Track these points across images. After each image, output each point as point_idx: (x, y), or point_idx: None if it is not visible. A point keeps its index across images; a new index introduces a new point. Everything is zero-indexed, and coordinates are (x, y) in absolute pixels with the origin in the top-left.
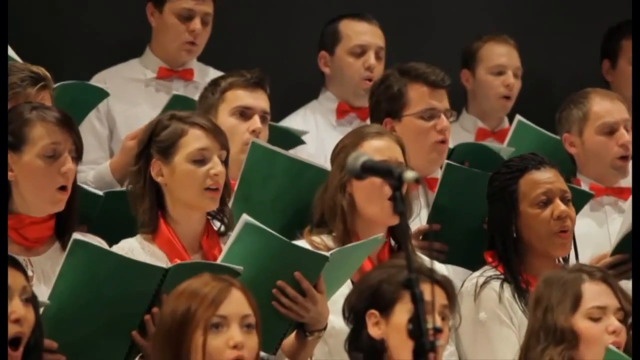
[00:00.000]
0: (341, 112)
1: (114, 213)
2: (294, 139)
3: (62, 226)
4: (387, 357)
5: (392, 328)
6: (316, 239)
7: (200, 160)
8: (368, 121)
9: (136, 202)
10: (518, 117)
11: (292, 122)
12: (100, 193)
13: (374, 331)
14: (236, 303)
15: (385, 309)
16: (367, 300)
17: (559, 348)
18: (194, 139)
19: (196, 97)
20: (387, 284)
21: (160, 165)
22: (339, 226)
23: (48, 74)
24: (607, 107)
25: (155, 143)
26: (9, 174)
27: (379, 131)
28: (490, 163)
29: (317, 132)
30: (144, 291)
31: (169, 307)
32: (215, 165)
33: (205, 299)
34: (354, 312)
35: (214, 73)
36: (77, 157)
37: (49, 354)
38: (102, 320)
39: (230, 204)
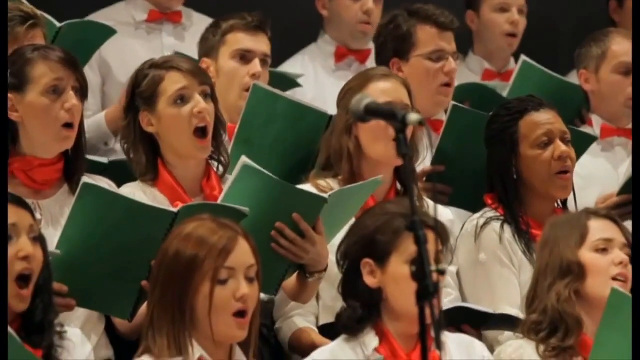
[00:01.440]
0: (340, 56)
1: (119, 181)
2: (289, 82)
3: (70, 168)
4: (384, 305)
5: (389, 278)
6: (322, 182)
7: (181, 101)
8: (368, 64)
9: (130, 155)
10: (523, 58)
11: (290, 68)
12: (105, 161)
13: (369, 280)
14: (243, 254)
15: (381, 259)
16: (362, 249)
17: (565, 281)
18: (172, 82)
19: (185, 40)
20: (381, 234)
21: (148, 115)
22: (345, 168)
23: (38, 13)
24: (626, 48)
25: (138, 95)
26: (15, 114)
27: (385, 73)
28: (490, 101)
29: (316, 78)
30: (153, 235)
31: (173, 247)
32: (197, 103)
33: (213, 249)
34: (348, 260)
35: (197, 17)
36: (82, 95)
37: (60, 297)
38: (111, 265)
39: (230, 147)
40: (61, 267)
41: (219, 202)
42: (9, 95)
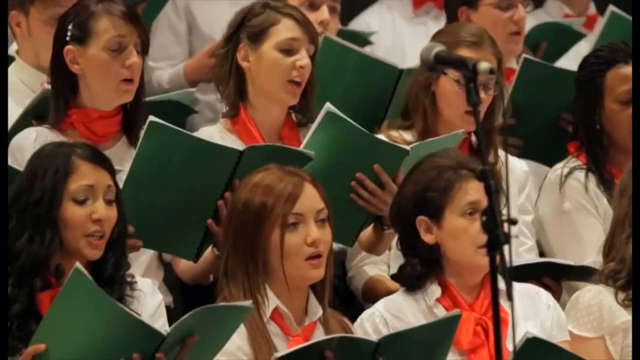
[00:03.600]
0: (418, 3)
1: None
2: (361, 40)
3: (129, 121)
4: (443, 260)
5: (446, 233)
6: (394, 133)
7: (288, 50)
8: None
9: (220, 85)
10: (611, 8)
11: (368, 17)
12: None
13: (427, 237)
14: (310, 198)
15: (435, 215)
16: (415, 207)
17: None
18: (285, 29)
19: None
20: (432, 190)
21: (247, 50)
22: (419, 123)
23: None
24: None
25: (245, 28)
26: (76, 67)
27: (475, 40)
28: (567, 39)
29: (394, 26)
30: (218, 175)
31: (242, 197)
32: (302, 58)
33: (281, 196)
34: (403, 218)
35: None
36: (143, 50)
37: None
38: (177, 205)
39: None
40: (128, 207)
41: (301, 147)
42: (71, 47)
